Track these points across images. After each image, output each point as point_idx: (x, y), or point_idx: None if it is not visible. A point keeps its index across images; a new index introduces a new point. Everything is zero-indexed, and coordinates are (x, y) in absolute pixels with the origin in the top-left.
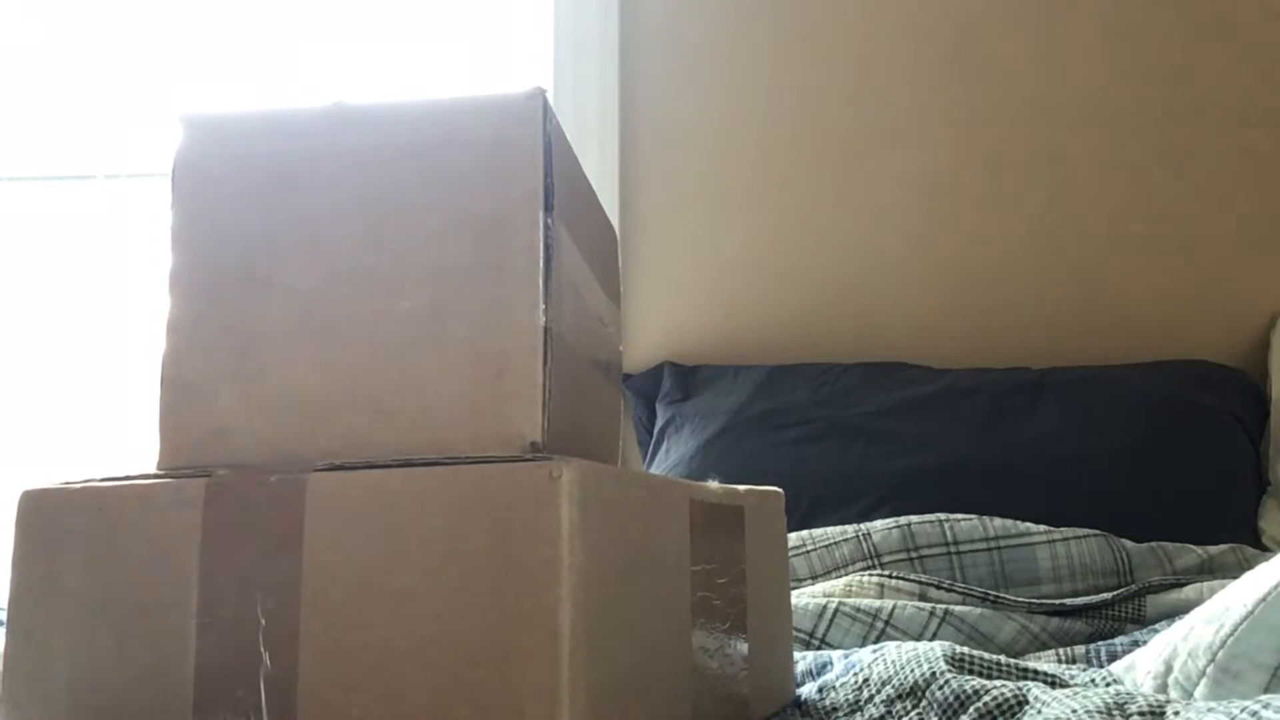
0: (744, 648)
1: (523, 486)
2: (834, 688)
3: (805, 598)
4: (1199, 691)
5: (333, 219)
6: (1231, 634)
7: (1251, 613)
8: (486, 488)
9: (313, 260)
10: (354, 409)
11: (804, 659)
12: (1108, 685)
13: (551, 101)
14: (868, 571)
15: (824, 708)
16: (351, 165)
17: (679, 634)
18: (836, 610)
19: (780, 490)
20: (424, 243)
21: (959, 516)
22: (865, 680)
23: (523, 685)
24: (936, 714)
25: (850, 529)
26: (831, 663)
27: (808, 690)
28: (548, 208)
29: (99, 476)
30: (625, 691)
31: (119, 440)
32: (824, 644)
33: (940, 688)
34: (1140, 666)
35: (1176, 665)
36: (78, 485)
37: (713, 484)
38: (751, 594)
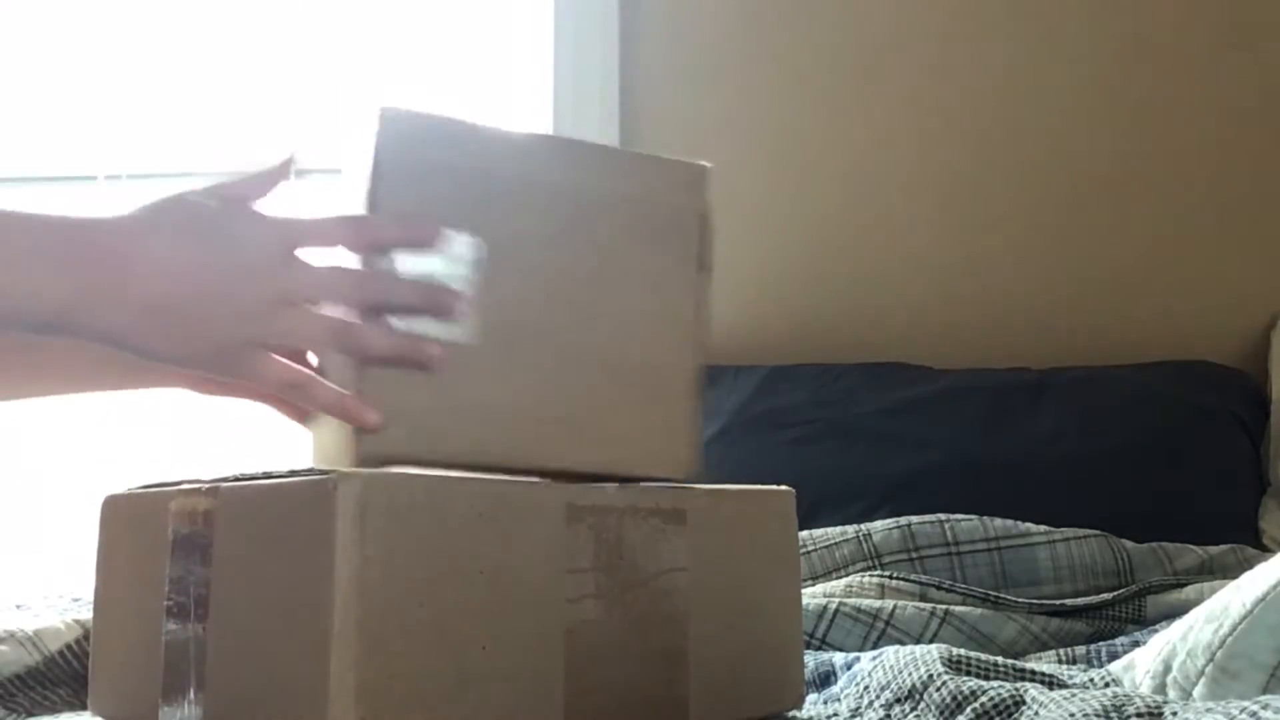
0: (678, 649)
1: (305, 499)
2: (838, 699)
3: (806, 598)
4: (1197, 691)
5: (533, 244)
6: (1230, 634)
7: (1250, 612)
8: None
9: (505, 277)
10: (543, 422)
11: (805, 664)
12: (1106, 686)
13: (552, 102)
14: (868, 572)
15: (827, 718)
16: (554, 199)
17: (540, 634)
18: (837, 611)
19: (790, 490)
20: (611, 283)
21: (959, 517)
22: (865, 688)
23: (314, 678)
24: (934, 715)
25: (851, 529)
26: (835, 673)
27: (812, 700)
28: (702, 267)
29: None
30: (431, 686)
31: (122, 442)
32: (825, 644)
33: (938, 689)
34: (1139, 666)
35: (1175, 665)
36: (155, 490)
37: (611, 487)
38: (700, 596)
